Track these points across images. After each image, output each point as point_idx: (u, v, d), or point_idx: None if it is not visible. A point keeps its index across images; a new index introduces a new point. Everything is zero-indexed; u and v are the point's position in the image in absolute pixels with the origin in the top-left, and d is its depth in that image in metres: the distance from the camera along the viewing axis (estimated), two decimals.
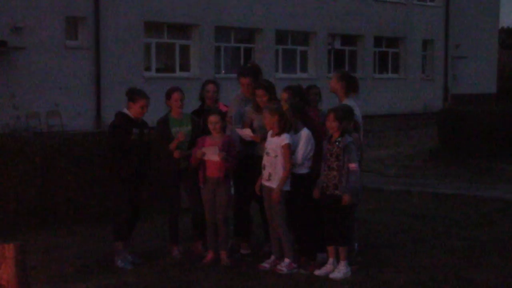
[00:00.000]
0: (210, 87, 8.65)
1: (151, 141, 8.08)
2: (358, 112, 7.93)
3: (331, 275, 7.33)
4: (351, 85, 8.11)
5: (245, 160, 8.10)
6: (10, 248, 5.17)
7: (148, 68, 25.30)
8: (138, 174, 7.89)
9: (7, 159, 9.44)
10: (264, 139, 7.81)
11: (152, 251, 8.39)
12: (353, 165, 7.35)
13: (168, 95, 8.21)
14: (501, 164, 15.89)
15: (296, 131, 7.65)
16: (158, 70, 25.79)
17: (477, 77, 36.82)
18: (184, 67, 26.49)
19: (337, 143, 7.40)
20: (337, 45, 31.61)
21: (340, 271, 7.36)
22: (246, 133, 7.98)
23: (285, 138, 7.53)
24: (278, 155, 7.54)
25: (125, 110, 7.95)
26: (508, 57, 44.69)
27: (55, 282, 7.18)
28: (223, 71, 27.36)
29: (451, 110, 18.14)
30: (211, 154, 7.77)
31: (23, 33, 21.54)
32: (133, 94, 7.96)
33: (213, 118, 7.89)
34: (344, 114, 7.45)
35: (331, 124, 7.41)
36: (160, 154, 8.15)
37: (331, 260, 7.49)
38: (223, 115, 8.12)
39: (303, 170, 7.63)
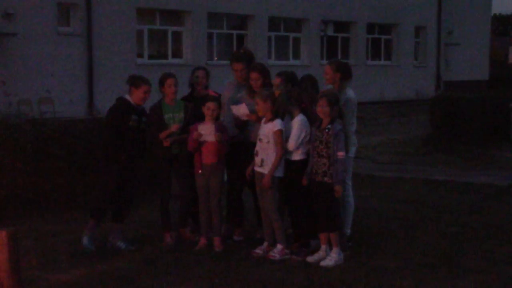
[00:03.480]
0: (200, 72, 8.66)
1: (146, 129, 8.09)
2: (353, 97, 7.96)
3: (322, 263, 7.32)
4: (346, 73, 8.10)
5: (237, 147, 8.11)
6: (2, 235, 5.16)
7: (140, 55, 25.23)
8: (132, 161, 7.90)
9: None
10: (259, 119, 7.78)
11: (144, 237, 8.39)
12: (341, 154, 7.34)
13: (162, 81, 8.20)
14: (493, 150, 15.94)
15: (293, 117, 7.64)
16: (150, 57, 25.72)
17: (470, 64, 36.87)
18: (177, 53, 26.43)
19: (326, 130, 7.39)
20: (330, 31, 31.57)
21: (332, 258, 7.35)
22: (242, 110, 7.93)
23: (277, 124, 7.52)
24: (270, 141, 7.54)
25: (127, 96, 7.94)
26: (501, 44, 44.77)
27: (47, 269, 7.18)
28: (216, 58, 27.31)
29: (443, 96, 18.13)
30: (208, 133, 7.78)
31: (14, 19, 21.43)
32: (136, 80, 7.96)
33: (211, 105, 7.89)
34: (336, 100, 7.44)
35: (324, 109, 7.38)
36: (153, 140, 8.13)
37: (323, 247, 7.50)
38: (220, 103, 8.12)
39: (300, 156, 7.62)
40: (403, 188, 11.75)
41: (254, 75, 8.06)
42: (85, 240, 7.87)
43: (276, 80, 8.04)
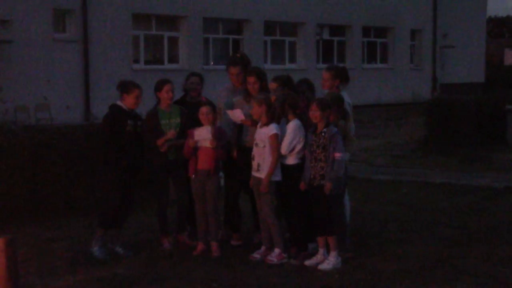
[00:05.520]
0: (195, 79, 8.69)
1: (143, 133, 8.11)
2: (348, 101, 7.99)
3: (320, 266, 7.34)
4: (344, 78, 8.16)
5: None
6: (0, 242, 5.17)
7: (136, 60, 25.22)
8: (132, 166, 7.91)
9: None
10: (254, 123, 7.80)
11: (142, 243, 8.39)
12: (338, 154, 7.36)
13: (159, 87, 8.22)
14: (489, 152, 15.95)
15: (288, 122, 7.66)
16: (146, 62, 25.71)
17: (465, 66, 36.89)
18: (173, 59, 26.43)
19: (323, 134, 7.41)
20: (326, 35, 31.60)
21: (330, 262, 7.36)
22: (237, 114, 7.95)
23: (272, 128, 7.54)
24: (267, 145, 7.56)
25: (119, 102, 7.96)
26: (496, 46, 44.84)
27: (45, 275, 7.19)
28: (212, 63, 27.32)
29: (439, 99, 18.16)
30: (205, 135, 7.78)
31: (10, 26, 21.41)
32: (126, 85, 7.98)
33: (205, 109, 7.91)
34: (328, 104, 7.45)
35: (314, 114, 7.40)
36: (149, 146, 8.14)
37: (321, 250, 7.51)
38: (214, 107, 8.13)
39: (294, 161, 7.64)
40: (400, 191, 11.76)
41: (251, 79, 8.07)
42: (96, 252, 7.80)
43: (272, 85, 8.05)
